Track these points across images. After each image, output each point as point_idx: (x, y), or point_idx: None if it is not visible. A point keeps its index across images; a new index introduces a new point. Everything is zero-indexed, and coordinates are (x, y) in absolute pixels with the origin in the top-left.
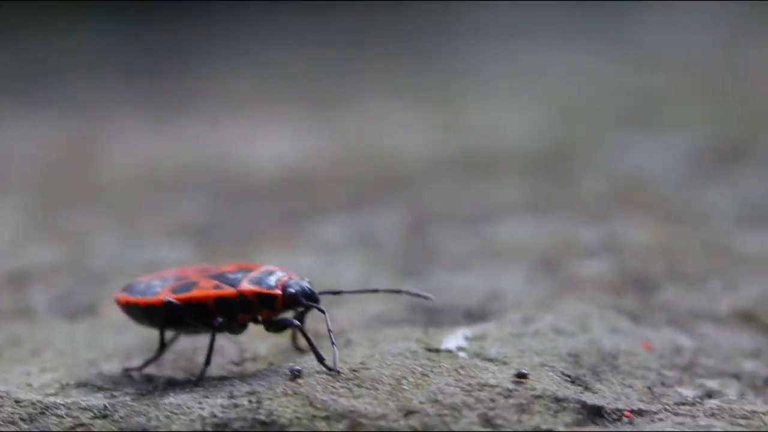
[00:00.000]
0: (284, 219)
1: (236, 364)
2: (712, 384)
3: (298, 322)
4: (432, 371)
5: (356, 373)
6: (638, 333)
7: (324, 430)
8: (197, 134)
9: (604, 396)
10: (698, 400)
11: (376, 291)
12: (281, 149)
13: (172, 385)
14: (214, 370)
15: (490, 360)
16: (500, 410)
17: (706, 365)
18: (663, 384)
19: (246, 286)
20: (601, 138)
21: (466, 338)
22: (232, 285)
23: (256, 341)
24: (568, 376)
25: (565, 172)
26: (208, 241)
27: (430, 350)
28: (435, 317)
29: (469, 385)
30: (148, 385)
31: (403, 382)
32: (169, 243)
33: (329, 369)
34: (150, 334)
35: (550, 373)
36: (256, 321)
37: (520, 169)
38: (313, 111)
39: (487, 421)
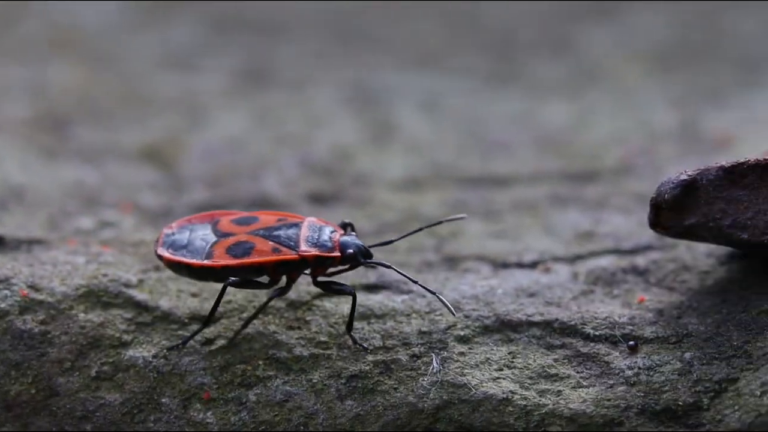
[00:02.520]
0: None
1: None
2: (110, 215)
3: (354, 292)
4: None
5: None
6: (49, 168)
7: None
8: None
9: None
10: (95, 228)
11: (420, 230)
12: None
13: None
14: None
15: None
16: None
17: (108, 198)
18: (65, 214)
19: (306, 248)
20: None
21: None
22: (290, 247)
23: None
24: None
25: None
26: None
27: None
28: None
29: None
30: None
31: None
32: None
33: (355, 342)
34: None
35: None
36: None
37: None
38: None
39: None
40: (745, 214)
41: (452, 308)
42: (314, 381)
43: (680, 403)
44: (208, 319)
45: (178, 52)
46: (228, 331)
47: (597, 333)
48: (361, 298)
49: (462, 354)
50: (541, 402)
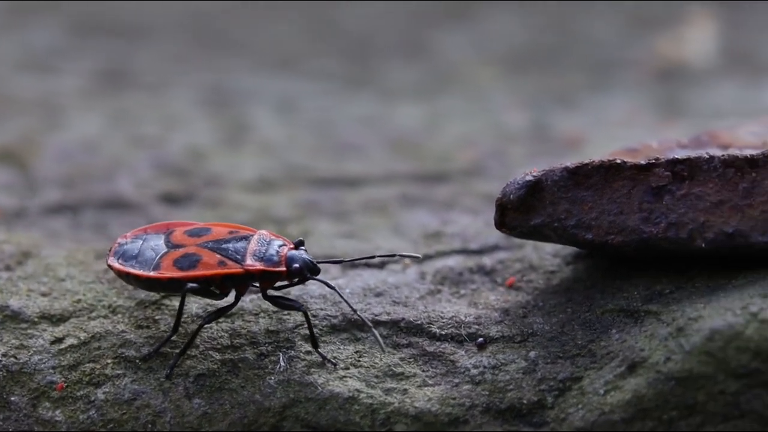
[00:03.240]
0: None
1: None
2: None
3: (305, 308)
4: None
5: None
6: None
7: None
8: None
9: None
10: None
11: (373, 257)
12: None
13: None
14: None
15: None
16: None
17: None
18: None
19: (251, 262)
20: None
21: None
22: (236, 261)
23: None
24: None
25: None
26: None
27: None
28: None
29: None
30: None
31: None
32: None
33: (326, 360)
34: None
35: None
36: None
37: None
38: None
39: None
40: (589, 214)
41: (383, 345)
42: (162, 379)
43: (525, 401)
44: (175, 327)
45: (36, 54)
46: (78, 330)
47: (443, 332)
48: None
49: (309, 353)
50: (386, 400)
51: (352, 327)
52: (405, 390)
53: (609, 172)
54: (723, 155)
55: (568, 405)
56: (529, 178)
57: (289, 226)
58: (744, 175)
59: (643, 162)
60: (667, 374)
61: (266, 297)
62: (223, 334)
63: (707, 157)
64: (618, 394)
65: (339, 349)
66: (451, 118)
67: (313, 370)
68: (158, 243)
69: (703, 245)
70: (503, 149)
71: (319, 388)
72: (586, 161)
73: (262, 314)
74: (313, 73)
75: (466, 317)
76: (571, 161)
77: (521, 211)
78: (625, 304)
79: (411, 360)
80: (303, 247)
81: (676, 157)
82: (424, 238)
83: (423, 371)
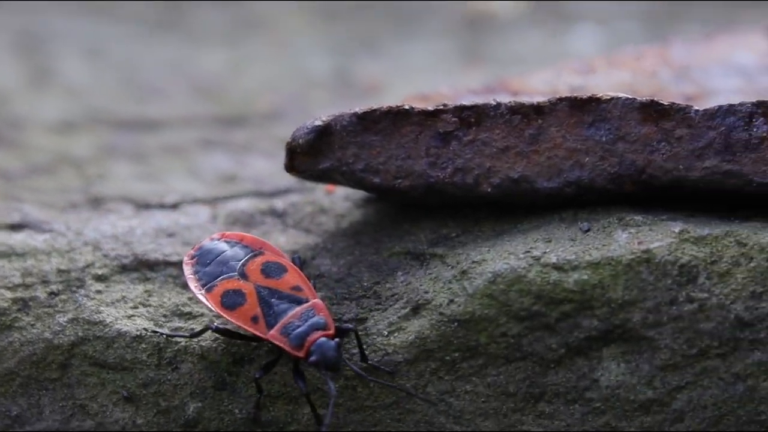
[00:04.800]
0: None
1: None
2: None
3: (306, 390)
4: None
5: None
6: None
7: None
8: None
9: None
10: None
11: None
12: None
13: None
14: None
15: None
16: None
17: None
18: None
19: (276, 334)
20: None
21: None
22: (268, 324)
23: None
24: None
25: None
26: None
27: None
28: None
29: None
30: None
31: None
32: None
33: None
34: None
35: None
36: None
37: None
38: None
39: None
40: (377, 158)
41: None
42: None
43: None
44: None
45: None
46: None
47: None
48: (3, 236)
49: (99, 292)
50: (173, 339)
51: (142, 267)
52: (192, 329)
53: (397, 117)
54: (510, 102)
55: (353, 345)
56: (318, 123)
57: (87, 167)
58: (530, 121)
59: (430, 108)
60: (450, 316)
61: (293, 367)
62: (14, 272)
63: (494, 104)
64: (402, 335)
65: (128, 288)
66: (256, 64)
67: (102, 309)
68: (235, 264)
69: (489, 190)
70: (305, 95)
71: (108, 327)
72: (375, 107)
73: (54, 253)
74: (124, 17)
75: None
76: (359, 107)
77: (310, 155)
78: (412, 247)
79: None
80: (343, 338)
81: (464, 103)
82: (218, 181)
83: (211, 311)
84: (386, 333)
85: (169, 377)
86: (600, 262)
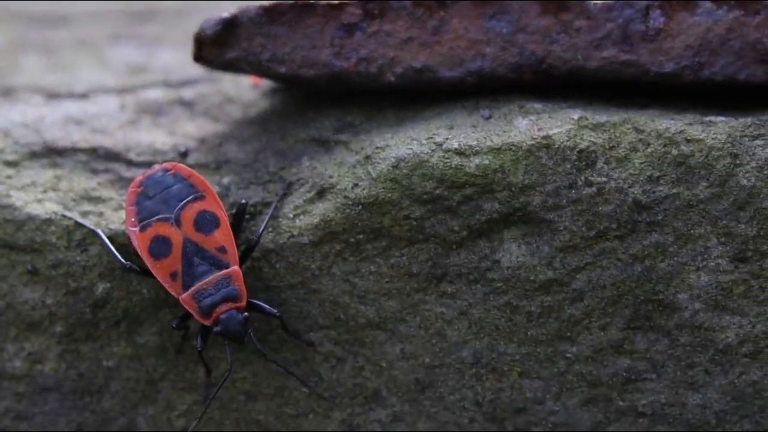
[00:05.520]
0: None
1: None
2: None
3: (201, 348)
4: None
5: None
6: None
7: None
8: None
9: None
10: None
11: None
12: None
13: None
14: None
15: None
16: None
17: None
18: None
19: (186, 299)
20: None
21: None
22: (183, 286)
23: None
24: None
25: None
26: None
27: None
28: None
29: None
30: None
31: None
32: None
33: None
34: None
35: None
36: None
37: None
38: None
39: None
40: (283, 49)
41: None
42: None
43: None
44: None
45: None
46: None
47: (139, 159)
48: None
49: (9, 177)
50: (82, 222)
51: (51, 153)
52: (101, 213)
53: (303, 9)
54: None
55: (258, 227)
56: (225, 15)
57: None
58: (433, 14)
59: (335, 1)
60: (355, 200)
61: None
62: None
63: None
64: (307, 218)
65: (38, 173)
66: None
67: (12, 193)
68: (175, 204)
69: (393, 79)
70: None
71: (18, 210)
72: (281, 0)
73: None
74: None
75: (162, 145)
76: (268, 0)
77: (218, 46)
78: (317, 134)
79: (108, 184)
80: (245, 313)
81: None
82: (128, 72)
83: (119, 195)
84: (292, 216)
85: (78, 258)
86: (501, 147)
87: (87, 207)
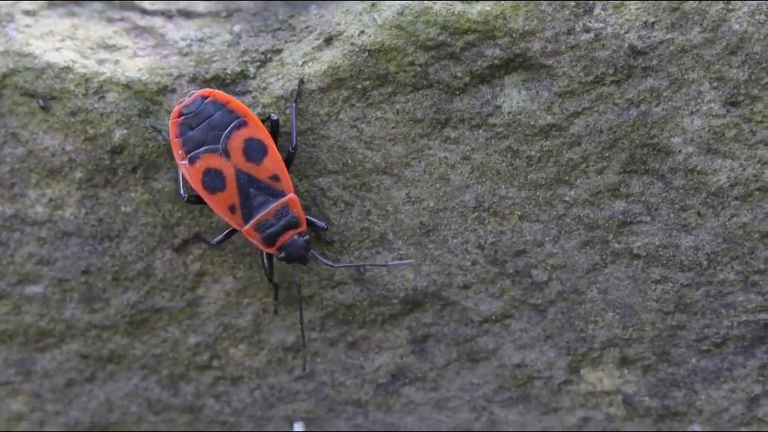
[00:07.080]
0: None
1: None
2: None
3: (270, 275)
4: None
5: None
6: None
7: None
8: None
9: None
10: None
11: (385, 264)
12: None
13: None
14: None
15: None
16: None
17: None
18: None
19: (249, 230)
20: None
21: None
22: (244, 218)
23: None
24: None
25: None
26: None
27: None
28: None
29: None
30: None
31: None
32: None
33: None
34: None
35: None
36: None
37: None
38: None
39: None
40: None
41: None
42: None
43: (228, 71)
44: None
45: None
46: None
47: (153, 8)
48: None
49: (28, 26)
50: (99, 70)
51: (68, 2)
52: (117, 61)
53: None
54: None
55: (269, 75)
56: None
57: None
58: None
59: None
60: (361, 46)
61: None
62: None
63: None
64: (315, 65)
65: (56, 22)
66: None
67: (31, 41)
68: (220, 133)
69: None
70: None
71: (37, 58)
72: None
73: None
74: None
75: None
76: None
77: None
78: None
79: (123, 33)
80: (305, 236)
81: None
82: None
83: (134, 43)
84: (300, 63)
85: (96, 106)
86: None
87: (103, 55)
